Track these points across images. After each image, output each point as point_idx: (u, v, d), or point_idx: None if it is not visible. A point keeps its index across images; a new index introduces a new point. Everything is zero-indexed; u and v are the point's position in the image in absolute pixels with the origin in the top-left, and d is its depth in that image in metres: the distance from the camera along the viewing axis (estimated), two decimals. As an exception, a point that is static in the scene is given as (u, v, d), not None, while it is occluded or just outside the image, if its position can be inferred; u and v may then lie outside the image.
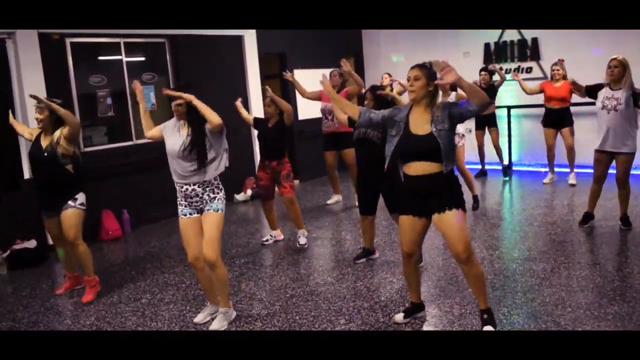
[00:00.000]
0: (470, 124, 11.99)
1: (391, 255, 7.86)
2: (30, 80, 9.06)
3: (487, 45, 13.92)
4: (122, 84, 10.53)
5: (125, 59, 10.57)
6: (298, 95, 12.38)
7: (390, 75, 12.29)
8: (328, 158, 11.09)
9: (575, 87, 8.54)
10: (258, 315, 6.28)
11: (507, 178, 12.73)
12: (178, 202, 5.99)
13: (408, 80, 5.21)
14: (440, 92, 5.37)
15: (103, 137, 10.56)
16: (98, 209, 9.61)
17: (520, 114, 13.52)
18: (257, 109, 12.56)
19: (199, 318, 6.28)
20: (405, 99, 7.58)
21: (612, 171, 8.21)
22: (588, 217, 8.61)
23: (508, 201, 11.02)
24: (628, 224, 8.33)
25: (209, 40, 11.77)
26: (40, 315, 6.77)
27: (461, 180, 6.17)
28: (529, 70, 13.44)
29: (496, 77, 12.75)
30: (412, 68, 5.21)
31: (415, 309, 5.88)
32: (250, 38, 12.63)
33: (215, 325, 5.99)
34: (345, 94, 10.49)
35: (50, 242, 8.95)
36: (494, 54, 13.91)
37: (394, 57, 15.46)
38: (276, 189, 8.64)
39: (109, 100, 10.37)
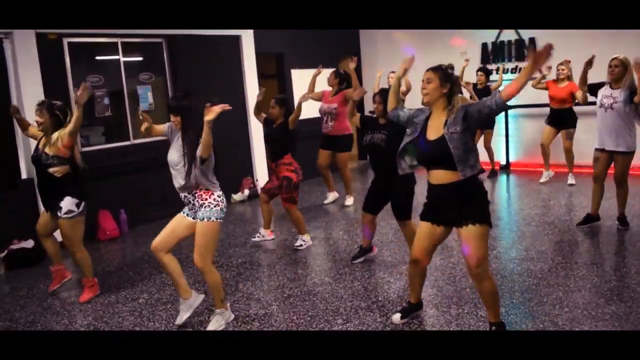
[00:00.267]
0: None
1: (389, 255, 7.86)
2: (27, 80, 9.05)
3: (484, 45, 13.93)
4: (119, 84, 10.52)
5: (122, 59, 10.56)
6: (295, 96, 12.42)
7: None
8: (320, 156, 11.12)
9: (581, 81, 8.50)
10: (255, 315, 6.28)
11: (493, 177, 12.76)
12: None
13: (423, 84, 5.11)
14: (459, 97, 5.20)
15: (100, 137, 10.55)
16: (95, 209, 9.59)
17: (518, 114, 13.54)
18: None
19: (180, 320, 6.21)
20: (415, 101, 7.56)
21: (610, 171, 8.22)
22: (589, 218, 8.58)
23: (506, 201, 11.02)
24: (625, 223, 8.34)
25: (206, 40, 11.76)
26: (37, 315, 6.77)
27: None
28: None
29: (493, 77, 12.78)
30: (427, 70, 5.10)
31: (413, 308, 5.86)
32: (247, 38, 12.61)
33: (213, 326, 5.99)
34: (342, 96, 10.52)
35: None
36: (492, 54, 13.92)
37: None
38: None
39: (106, 100, 10.36)
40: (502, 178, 12.88)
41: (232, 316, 6.24)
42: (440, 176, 5.02)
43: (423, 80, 5.08)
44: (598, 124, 8.10)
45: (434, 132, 5.05)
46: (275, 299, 6.72)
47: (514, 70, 13.64)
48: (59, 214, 6.84)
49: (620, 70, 7.81)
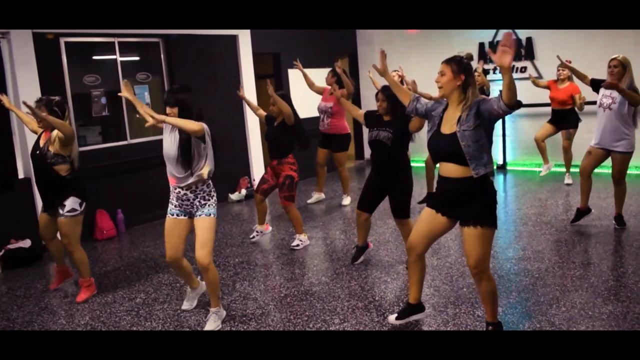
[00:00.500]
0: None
1: (386, 255, 7.86)
2: (24, 80, 9.04)
3: (481, 45, 13.93)
4: (116, 83, 10.51)
5: (119, 59, 10.55)
6: (293, 94, 12.41)
7: (399, 75, 12.13)
8: (318, 155, 11.16)
9: (577, 74, 8.52)
10: (252, 315, 6.28)
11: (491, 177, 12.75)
12: (169, 201, 6.03)
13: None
14: (475, 89, 5.07)
15: (97, 136, 10.54)
16: (92, 208, 9.58)
17: (515, 114, 13.53)
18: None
19: (185, 305, 6.55)
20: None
21: (607, 170, 8.22)
22: (580, 213, 8.61)
23: (502, 201, 11.02)
24: (622, 223, 8.35)
25: (203, 40, 11.77)
26: (34, 315, 6.76)
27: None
28: (523, 69, 13.46)
29: (489, 77, 12.79)
30: (442, 62, 5.01)
31: (411, 310, 5.69)
32: (244, 38, 12.62)
33: (211, 326, 6.00)
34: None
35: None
36: (488, 54, 13.90)
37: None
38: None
39: (103, 100, 10.34)
40: (499, 178, 12.89)
41: (224, 313, 6.26)
42: (450, 170, 4.96)
43: (438, 72, 5.00)
44: (597, 123, 8.10)
45: (448, 126, 4.98)
46: (272, 298, 6.73)
47: (510, 70, 13.62)
48: (60, 211, 6.84)
49: (619, 71, 7.80)
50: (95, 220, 9.93)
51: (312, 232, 9.36)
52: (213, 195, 5.98)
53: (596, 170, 8.40)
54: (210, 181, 5.96)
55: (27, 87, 9.00)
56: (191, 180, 5.79)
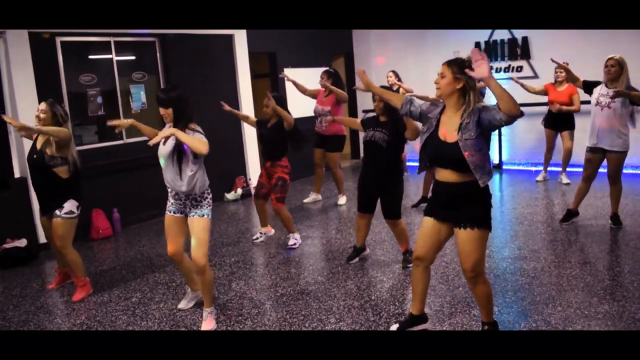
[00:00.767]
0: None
1: (381, 255, 7.86)
2: (20, 79, 9.03)
3: (477, 44, 13.93)
4: (112, 83, 10.51)
5: (115, 58, 10.54)
6: (289, 95, 12.41)
7: (396, 75, 12.09)
8: (315, 155, 11.16)
9: (570, 76, 8.53)
10: (248, 314, 6.28)
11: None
12: (168, 198, 6.06)
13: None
14: (475, 92, 4.99)
15: (93, 136, 10.53)
16: (88, 208, 9.58)
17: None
18: (247, 108, 12.57)
19: (182, 304, 6.53)
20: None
21: (603, 170, 8.23)
22: (571, 214, 8.64)
23: (498, 200, 11.02)
24: (618, 222, 8.36)
25: (199, 39, 11.76)
26: (30, 315, 6.76)
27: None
28: (519, 69, 13.48)
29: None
30: (442, 64, 4.94)
31: (413, 320, 5.56)
32: (240, 37, 12.61)
33: (208, 326, 6.00)
34: (334, 97, 10.52)
35: (41, 240, 8.97)
36: (484, 53, 13.90)
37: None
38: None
39: (99, 99, 10.33)
40: (495, 177, 12.89)
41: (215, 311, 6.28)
42: (447, 175, 4.92)
43: (438, 74, 4.94)
44: (593, 122, 8.10)
45: (447, 133, 4.89)
46: (268, 298, 6.73)
47: (507, 70, 13.65)
48: (57, 212, 6.84)
49: (617, 70, 7.81)
50: (91, 220, 9.92)
51: (308, 231, 9.37)
52: (206, 197, 5.96)
53: (592, 170, 8.42)
54: (203, 187, 5.95)
55: (23, 86, 9.00)
56: (184, 189, 5.81)
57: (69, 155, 6.88)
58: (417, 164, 5.33)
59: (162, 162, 5.85)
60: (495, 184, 12.39)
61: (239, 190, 12.33)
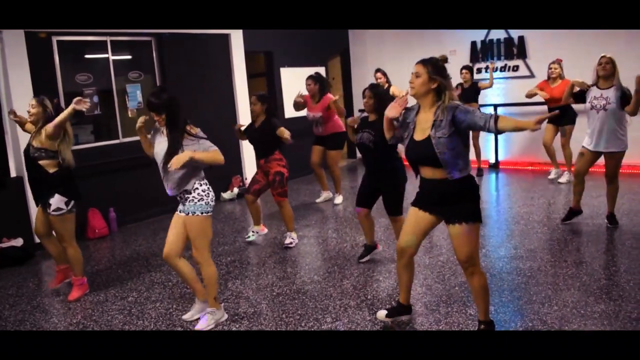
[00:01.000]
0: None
1: (377, 254, 7.84)
2: (16, 79, 9.03)
3: (473, 44, 13.95)
4: (108, 82, 10.51)
5: (111, 57, 10.54)
6: (284, 94, 12.42)
7: (384, 75, 12.09)
8: (313, 153, 11.13)
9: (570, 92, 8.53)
10: (244, 314, 6.28)
11: (480, 177, 12.81)
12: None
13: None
14: (451, 91, 5.02)
15: (89, 135, 10.53)
16: (85, 207, 9.57)
17: (507, 113, 13.55)
18: (243, 107, 12.56)
19: (187, 315, 6.33)
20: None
21: (600, 169, 8.23)
22: (572, 213, 8.62)
23: (494, 199, 11.03)
24: (614, 222, 8.36)
25: (195, 39, 11.75)
26: (26, 314, 6.75)
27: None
28: (516, 68, 13.49)
29: (483, 76, 12.81)
30: (416, 63, 4.95)
31: (400, 310, 5.74)
32: (236, 36, 12.61)
33: (202, 325, 5.98)
34: (325, 103, 10.51)
35: (37, 240, 8.95)
36: (481, 52, 13.94)
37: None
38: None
39: (95, 99, 10.33)
40: (492, 176, 12.91)
41: (225, 316, 6.22)
42: (429, 172, 4.98)
43: (412, 73, 4.94)
44: (589, 126, 8.08)
45: (420, 131, 4.96)
46: (264, 297, 6.72)
47: (502, 69, 13.66)
48: (48, 210, 6.85)
49: (610, 67, 7.82)
50: (87, 219, 9.91)
51: (304, 230, 9.37)
52: (203, 197, 5.86)
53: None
54: (203, 184, 5.93)
55: (19, 85, 8.99)
56: (175, 192, 5.83)
57: (59, 150, 6.86)
58: None
59: (159, 166, 5.86)
60: (491, 183, 12.41)
61: (235, 190, 12.34)
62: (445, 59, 5.00)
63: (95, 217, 10.01)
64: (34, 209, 7.43)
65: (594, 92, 7.98)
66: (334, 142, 10.86)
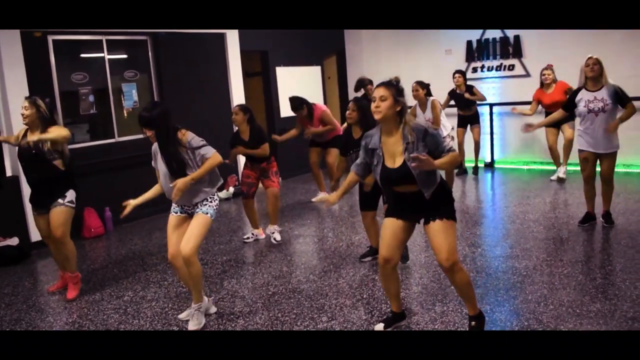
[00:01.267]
0: (453, 121, 11.95)
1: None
2: (12, 78, 9.02)
3: (469, 43, 13.95)
4: (104, 81, 10.50)
5: (107, 57, 10.54)
6: (280, 93, 12.42)
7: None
8: (311, 155, 11.14)
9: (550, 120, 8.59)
10: (240, 313, 6.28)
11: (476, 175, 12.82)
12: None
13: (374, 101, 4.93)
14: (412, 110, 5.10)
15: (85, 134, 10.52)
16: (80, 206, 9.54)
17: (503, 112, 13.57)
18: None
19: (183, 315, 6.32)
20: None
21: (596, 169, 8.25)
22: (589, 217, 8.55)
23: (490, 199, 11.05)
24: (610, 221, 8.36)
25: (191, 38, 11.75)
26: (22, 313, 6.74)
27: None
28: (511, 67, 13.49)
29: (479, 75, 12.83)
30: (378, 86, 4.96)
31: (396, 318, 5.69)
32: (232, 36, 12.61)
33: (193, 325, 5.97)
34: (318, 118, 10.55)
35: (33, 239, 8.95)
36: (476, 52, 13.95)
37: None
38: (261, 183, 8.71)
39: (91, 98, 10.33)
40: (487, 175, 12.92)
41: (214, 308, 6.29)
42: (401, 188, 5.06)
43: (375, 98, 4.92)
44: (586, 129, 8.02)
45: (392, 158, 5.00)
46: (260, 296, 6.72)
47: (498, 68, 13.67)
48: (60, 201, 6.87)
49: (599, 68, 7.80)
50: (83, 218, 9.90)
51: (300, 230, 9.37)
52: (211, 200, 5.99)
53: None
54: (210, 189, 6.00)
55: (15, 85, 8.98)
56: (193, 201, 5.90)
57: (63, 149, 6.91)
58: None
59: (163, 180, 5.91)
60: (487, 182, 12.41)
61: (231, 189, 12.33)
62: (398, 80, 5.05)
63: (91, 216, 10.00)
64: (29, 209, 7.41)
65: (586, 95, 7.94)
66: (334, 143, 10.86)
